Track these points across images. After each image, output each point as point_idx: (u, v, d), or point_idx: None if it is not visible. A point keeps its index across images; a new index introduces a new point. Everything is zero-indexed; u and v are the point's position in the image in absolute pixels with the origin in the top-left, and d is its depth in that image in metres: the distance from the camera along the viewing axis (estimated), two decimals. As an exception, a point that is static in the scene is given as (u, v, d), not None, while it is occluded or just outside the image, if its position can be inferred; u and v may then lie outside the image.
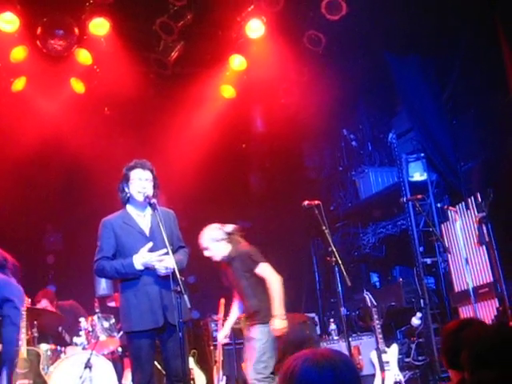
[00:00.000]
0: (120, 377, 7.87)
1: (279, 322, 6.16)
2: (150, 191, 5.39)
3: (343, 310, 5.72)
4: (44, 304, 8.51)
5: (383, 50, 9.50)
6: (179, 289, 4.82)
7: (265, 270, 6.40)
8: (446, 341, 3.34)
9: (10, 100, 9.25)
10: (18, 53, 8.79)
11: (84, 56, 9.10)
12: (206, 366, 8.59)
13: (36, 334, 7.78)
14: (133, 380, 5.45)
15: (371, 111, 10.85)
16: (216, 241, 6.54)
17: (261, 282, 6.39)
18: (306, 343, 8.27)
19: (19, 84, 9.23)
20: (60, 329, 8.17)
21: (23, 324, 7.27)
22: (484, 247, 7.74)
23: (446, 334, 3.36)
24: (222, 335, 7.09)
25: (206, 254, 6.52)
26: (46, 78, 9.27)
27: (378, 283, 10.98)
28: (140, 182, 5.39)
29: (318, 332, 9.46)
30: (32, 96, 9.37)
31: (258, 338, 6.21)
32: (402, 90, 9.79)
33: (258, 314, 6.29)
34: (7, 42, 8.63)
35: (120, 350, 8.15)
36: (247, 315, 6.56)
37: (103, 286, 10.05)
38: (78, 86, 9.58)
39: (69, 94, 9.59)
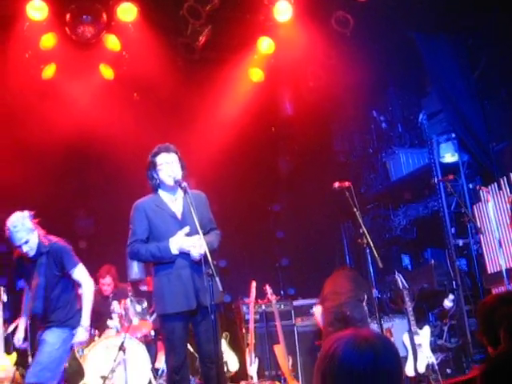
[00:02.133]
0: (154, 360, 7.95)
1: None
2: (178, 174, 5.40)
3: (375, 292, 5.71)
4: (108, 281, 8.59)
5: (412, 30, 9.40)
6: (211, 272, 4.84)
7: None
8: (484, 320, 3.28)
9: (40, 87, 9.33)
10: (48, 40, 8.84)
11: (112, 42, 9.13)
12: (239, 349, 8.66)
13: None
14: (166, 362, 5.50)
15: (401, 92, 10.74)
16: (32, 232, 6.04)
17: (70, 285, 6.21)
18: (350, 322, 8.26)
19: (49, 71, 9.30)
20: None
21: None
22: (517, 228, 7.67)
23: (483, 312, 3.31)
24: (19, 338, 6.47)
25: (25, 249, 6.00)
26: (76, 64, 9.33)
27: (409, 265, 10.93)
28: (168, 166, 5.41)
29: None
30: (62, 83, 9.44)
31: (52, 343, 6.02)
32: (431, 70, 9.68)
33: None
34: (37, 29, 8.68)
35: (153, 333, 8.23)
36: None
37: (135, 270, 10.12)
38: (107, 72, 9.63)
39: (98, 80, 9.65)
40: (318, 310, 8.55)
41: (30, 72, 9.19)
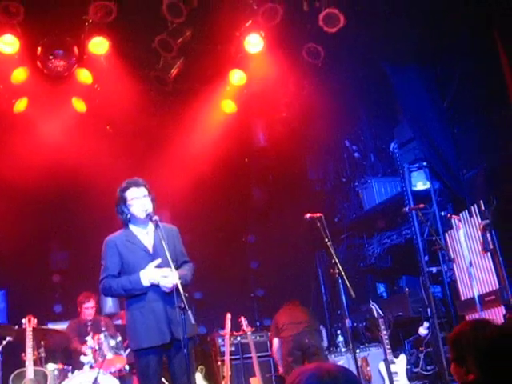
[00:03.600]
0: (128, 395, 7.86)
1: None
2: (149, 207, 5.40)
3: (348, 322, 5.72)
4: (92, 304, 8.59)
5: (382, 60, 9.53)
6: (183, 305, 4.81)
7: None
8: (454, 347, 3.27)
9: (12, 121, 9.29)
10: (19, 74, 8.83)
11: (84, 75, 9.14)
12: (215, 382, 8.59)
13: (43, 354, 7.79)
14: (141, 397, 5.43)
15: (373, 121, 10.87)
16: None
17: None
18: (308, 350, 8.34)
19: (21, 105, 9.27)
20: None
21: (30, 344, 7.31)
22: (489, 254, 7.72)
23: (452, 340, 3.29)
24: None
25: None
26: (48, 98, 9.32)
27: (384, 293, 10.96)
28: (138, 201, 5.40)
29: (325, 342, 9.43)
30: (34, 116, 9.41)
31: None
32: (402, 99, 9.82)
33: None
34: (8, 63, 8.67)
35: (127, 367, 8.14)
36: None
37: (109, 304, 10.06)
38: (79, 105, 9.62)
39: (70, 113, 9.63)
40: (274, 343, 8.62)
41: (1, 106, 9.16)
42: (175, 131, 9.91)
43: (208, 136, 10.08)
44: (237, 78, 9.65)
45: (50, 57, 8.54)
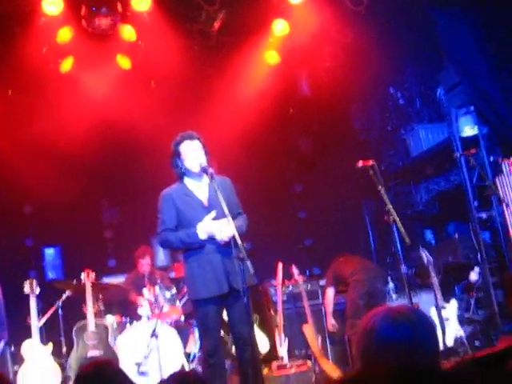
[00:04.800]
0: (185, 345, 8.07)
1: None
2: (203, 160, 5.48)
3: (404, 268, 5.74)
4: (148, 261, 8.79)
5: (426, 4, 9.36)
6: (242, 255, 4.90)
7: None
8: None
9: (59, 81, 9.41)
10: (64, 34, 8.91)
11: (128, 32, 9.18)
12: (268, 330, 8.74)
13: (102, 307, 8.03)
14: (201, 346, 5.61)
15: (418, 67, 10.70)
16: None
17: None
18: (377, 295, 8.39)
19: (67, 64, 9.37)
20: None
21: (89, 298, 7.55)
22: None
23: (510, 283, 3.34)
24: None
25: None
26: (93, 56, 9.39)
27: (432, 240, 10.93)
28: (192, 153, 5.48)
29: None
30: (80, 75, 9.50)
31: None
32: (447, 43, 9.63)
33: None
34: (53, 24, 8.74)
35: (183, 318, 8.35)
36: None
37: (161, 257, 10.26)
38: (124, 62, 9.68)
39: (116, 70, 9.70)
40: (330, 292, 8.67)
41: (48, 66, 9.27)
42: (220, 84, 9.91)
43: (252, 88, 10.06)
44: (280, 28, 9.57)
45: (94, 15, 8.60)
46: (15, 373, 7.31)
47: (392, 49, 10.02)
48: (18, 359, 7.50)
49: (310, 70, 10.49)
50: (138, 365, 7.17)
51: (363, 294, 8.21)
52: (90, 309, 7.56)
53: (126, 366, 7.18)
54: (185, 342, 8.16)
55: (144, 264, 8.77)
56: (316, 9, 9.12)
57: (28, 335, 7.45)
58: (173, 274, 9.12)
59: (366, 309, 8.11)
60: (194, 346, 8.27)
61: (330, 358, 8.62)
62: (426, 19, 9.38)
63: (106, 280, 9.27)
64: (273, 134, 10.61)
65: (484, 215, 8.94)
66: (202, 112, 9.77)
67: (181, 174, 5.57)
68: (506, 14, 9.06)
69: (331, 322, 8.68)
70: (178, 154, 5.53)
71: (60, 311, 7.88)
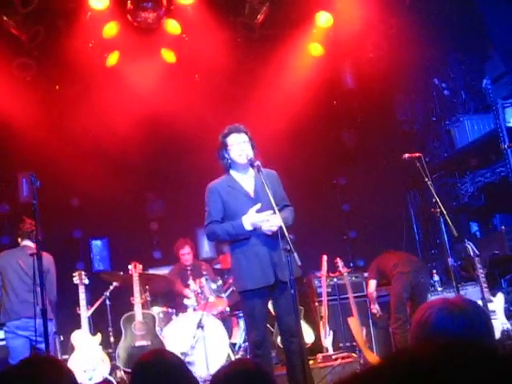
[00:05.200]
0: (229, 336, 8.14)
1: None
2: (250, 152, 5.51)
3: (451, 261, 5.72)
4: (187, 250, 8.94)
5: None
6: (288, 247, 4.92)
7: None
8: None
9: (105, 75, 9.54)
10: (110, 29, 9.06)
11: (173, 26, 9.28)
12: (313, 322, 8.77)
13: (149, 298, 8.15)
14: (248, 338, 5.65)
15: (462, 58, 10.58)
16: None
17: None
18: (420, 288, 8.35)
19: (113, 59, 9.52)
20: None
21: (137, 289, 7.66)
22: None
23: None
24: None
25: None
26: (138, 50, 9.52)
27: (477, 232, 10.82)
28: (239, 146, 5.52)
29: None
30: (125, 69, 9.64)
31: None
32: (493, 33, 9.50)
33: None
34: (99, 19, 8.89)
35: (228, 309, 8.41)
36: None
37: (206, 249, 10.35)
38: (168, 55, 9.79)
39: (160, 64, 9.83)
40: (371, 284, 8.65)
41: (94, 61, 9.41)
42: (264, 77, 9.92)
43: (296, 80, 10.06)
44: (323, 20, 9.57)
45: (140, 9, 8.70)
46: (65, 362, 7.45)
47: (436, 39, 9.92)
48: (67, 349, 7.65)
49: (353, 61, 10.46)
50: (185, 355, 7.25)
51: (407, 287, 8.17)
52: (137, 300, 7.68)
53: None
54: (230, 332, 8.23)
55: (185, 254, 8.89)
56: (359, 0, 9.09)
57: (76, 326, 7.60)
58: (218, 266, 9.19)
59: (409, 301, 8.11)
60: (239, 337, 8.35)
61: (374, 350, 8.62)
62: (472, 8, 9.26)
63: (152, 271, 9.38)
64: (317, 126, 10.59)
65: (531, 207, 8.82)
66: (246, 105, 9.80)
67: (227, 166, 5.62)
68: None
69: (376, 307, 8.66)
70: (224, 146, 5.58)
71: (108, 302, 8.02)
